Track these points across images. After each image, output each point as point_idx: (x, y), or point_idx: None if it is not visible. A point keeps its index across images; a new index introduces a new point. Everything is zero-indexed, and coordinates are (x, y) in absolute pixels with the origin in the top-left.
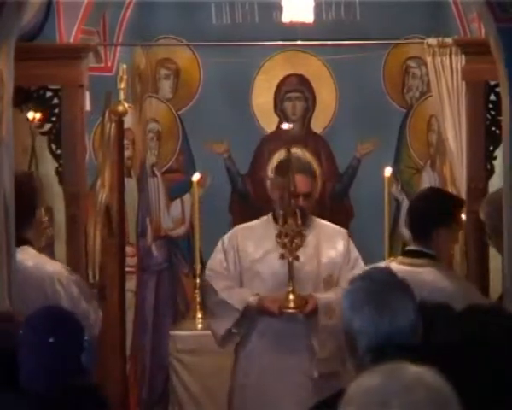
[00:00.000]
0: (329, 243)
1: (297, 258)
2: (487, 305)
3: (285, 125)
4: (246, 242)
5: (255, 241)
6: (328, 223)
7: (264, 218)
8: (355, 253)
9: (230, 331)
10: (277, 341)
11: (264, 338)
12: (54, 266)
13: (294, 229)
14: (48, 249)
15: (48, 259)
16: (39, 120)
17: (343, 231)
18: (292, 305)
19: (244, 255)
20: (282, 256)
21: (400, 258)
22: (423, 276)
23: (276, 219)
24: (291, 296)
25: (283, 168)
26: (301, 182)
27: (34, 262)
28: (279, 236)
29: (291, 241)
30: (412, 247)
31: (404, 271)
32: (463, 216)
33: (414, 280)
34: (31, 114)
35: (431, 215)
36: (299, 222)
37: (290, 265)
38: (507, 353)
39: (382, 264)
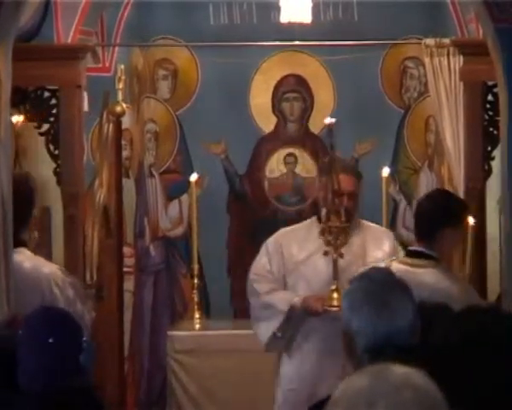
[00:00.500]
0: (376, 244)
1: (341, 255)
2: (486, 305)
3: (327, 120)
4: (290, 244)
5: (299, 243)
6: (374, 224)
7: (308, 221)
8: (401, 254)
9: (276, 335)
10: (322, 342)
11: (308, 340)
12: (50, 268)
13: (338, 225)
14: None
15: (44, 260)
16: (25, 121)
17: (389, 232)
18: (336, 303)
19: (288, 258)
20: (326, 253)
21: (402, 258)
22: (424, 277)
23: (320, 221)
24: (335, 295)
25: (327, 168)
26: (345, 181)
27: (31, 264)
28: (322, 233)
29: (335, 238)
30: (415, 247)
31: (405, 271)
32: (470, 219)
33: (414, 281)
34: (15, 118)
35: (437, 216)
36: (343, 219)
37: (334, 262)
38: (506, 353)
39: (383, 264)
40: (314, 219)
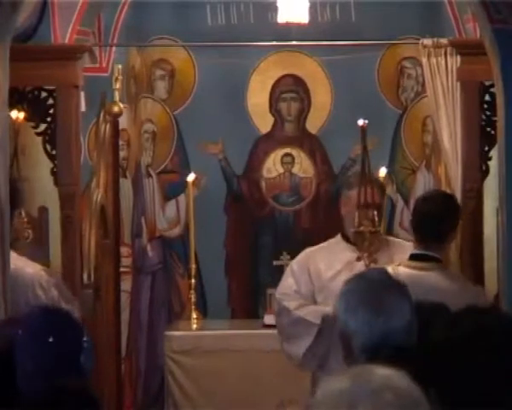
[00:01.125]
0: (404, 257)
1: (375, 261)
2: (484, 306)
3: (360, 122)
4: (316, 263)
5: (325, 261)
6: (399, 239)
7: (333, 239)
8: None
9: (311, 350)
10: None
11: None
12: (34, 269)
13: (371, 230)
14: (27, 249)
15: (28, 261)
16: (24, 119)
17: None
18: None
19: (316, 276)
20: (359, 259)
21: (407, 262)
22: (432, 279)
23: (345, 238)
24: None
25: (354, 181)
26: (372, 194)
27: (14, 265)
28: (355, 238)
29: (369, 243)
30: (419, 251)
31: (413, 275)
32: None
33: (423, 284)
34: (14, 113)
35: (448, 219)
36: (376, 225)
37: (367, 268)
38: (503, 353)
39: (389, 269)
40: (339, 236)
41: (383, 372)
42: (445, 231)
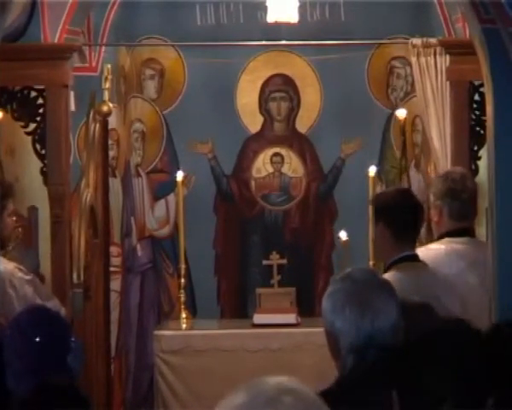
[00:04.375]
0: None
1: None
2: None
3: (400, 113)
4: None
5: None
6: None
7: None
8: None
9: None
10: None
11: None
12: (6, 267)
13: None
14: (17, 249)
15: (2, 259)
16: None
17: None
18: None
19: None
20: None
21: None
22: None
23: None
24: None
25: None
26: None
27: None
28: None
29: None
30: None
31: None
32: None
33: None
34: None
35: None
36: None
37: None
38: (486, 353)
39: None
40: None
41: (274, 380)
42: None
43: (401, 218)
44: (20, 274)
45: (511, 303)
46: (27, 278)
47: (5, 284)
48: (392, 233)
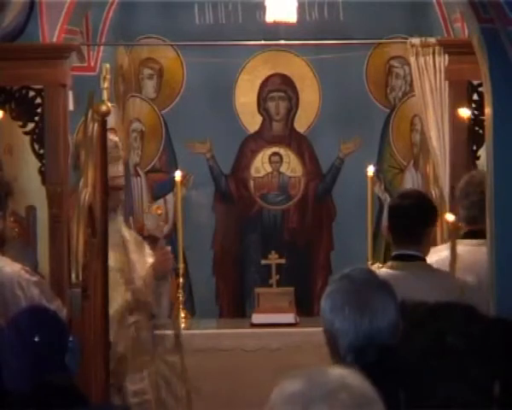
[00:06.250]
0: None
1: None
2: (465, 304)
3: (466, 111)
4: None
5: None
6: None
7: None
8: None
9: None
10: None
11: None
12: (13, 269)
13: None
14: (15, 249)
15: (8, 260)
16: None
17: None
18: None
19: None
20: None
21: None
22: (407, 278)
23: None
24: None
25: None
26: None
27: None
28: None
29: None
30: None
31: (390, 274)
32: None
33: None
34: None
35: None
36: None
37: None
38: (484, 353)
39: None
40: None
41: (337, 372)
42: (419, 233)
43: (393, 220)
44: (26, 275)
45: (509, 297)
46: (34, 279)
47: (13, 286)
48: (391, 233)
